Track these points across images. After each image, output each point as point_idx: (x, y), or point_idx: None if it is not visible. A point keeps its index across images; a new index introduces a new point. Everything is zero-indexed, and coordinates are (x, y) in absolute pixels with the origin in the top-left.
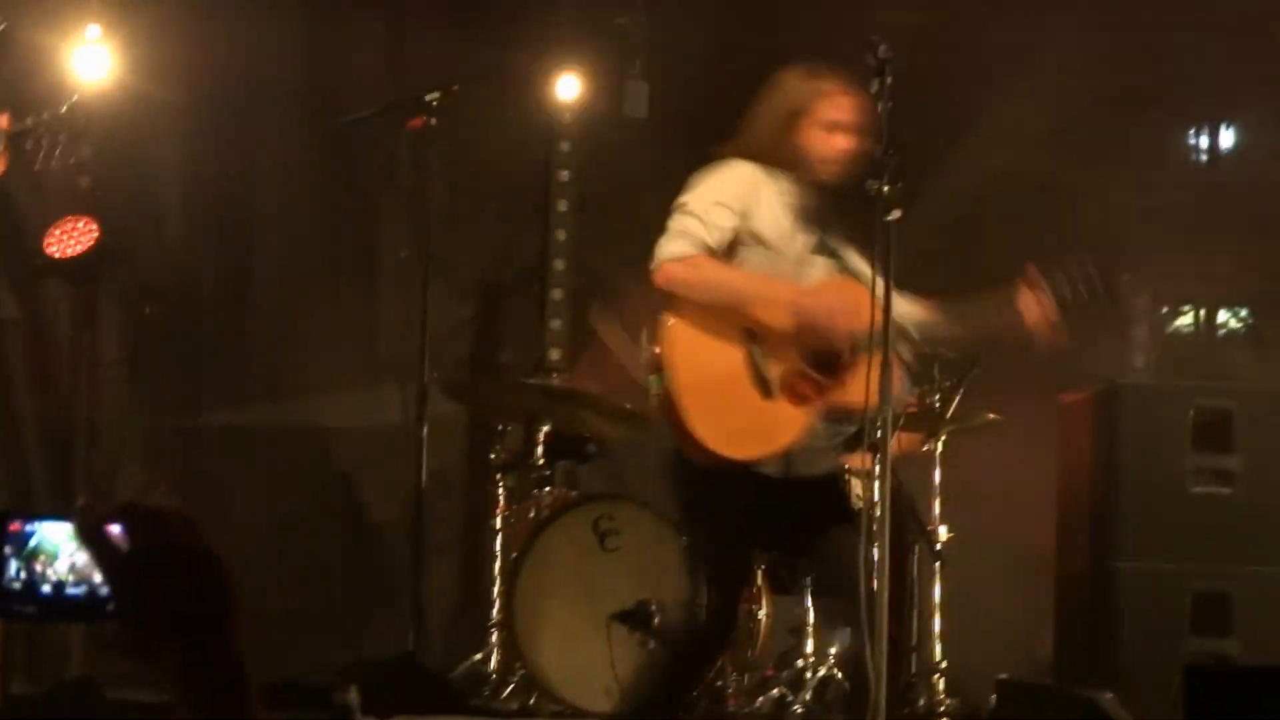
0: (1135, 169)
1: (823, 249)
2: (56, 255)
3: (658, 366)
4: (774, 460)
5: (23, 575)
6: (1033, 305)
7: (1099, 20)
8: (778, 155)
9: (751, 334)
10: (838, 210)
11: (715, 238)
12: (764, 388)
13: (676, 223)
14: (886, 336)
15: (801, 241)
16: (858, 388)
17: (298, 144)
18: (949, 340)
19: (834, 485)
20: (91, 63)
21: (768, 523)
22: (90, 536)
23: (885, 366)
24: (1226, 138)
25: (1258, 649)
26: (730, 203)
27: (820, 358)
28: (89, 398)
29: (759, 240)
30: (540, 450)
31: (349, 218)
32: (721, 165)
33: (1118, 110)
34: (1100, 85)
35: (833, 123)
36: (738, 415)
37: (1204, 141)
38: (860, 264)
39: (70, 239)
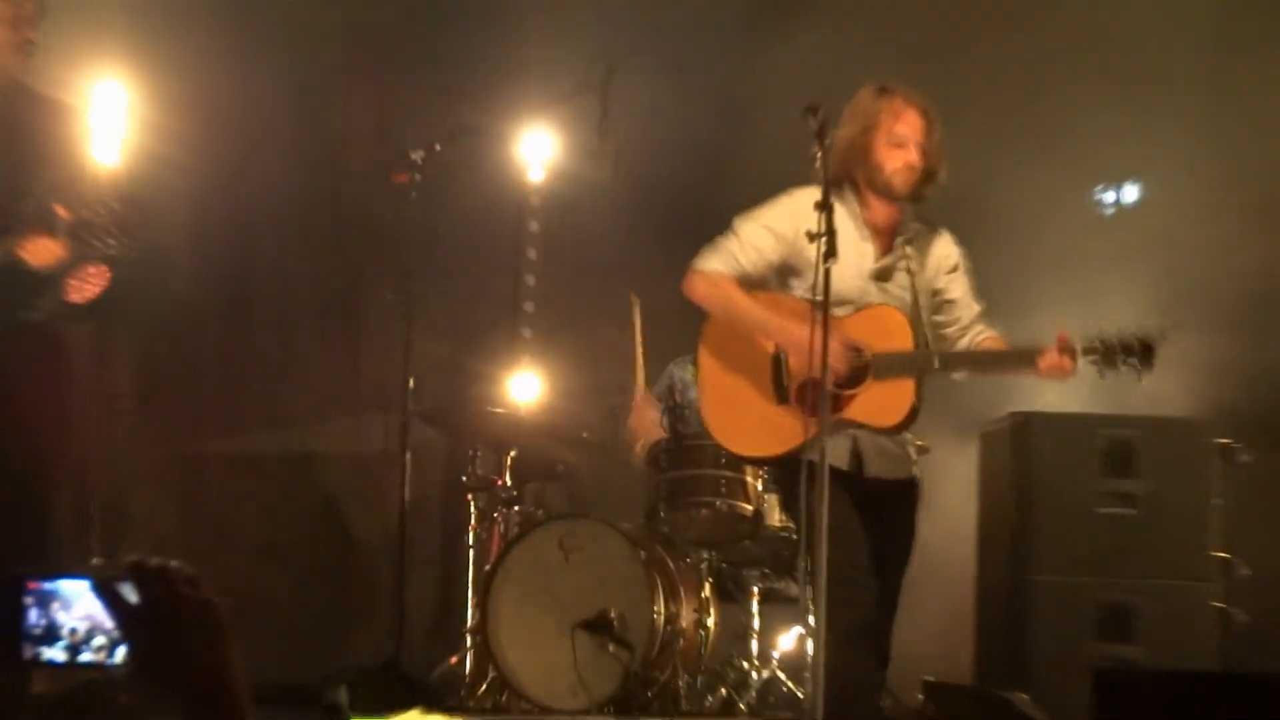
0: (1052, 221)
1: (883, 274)
2: (76, 300)
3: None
4: (843, 457)
5: (44, 625)
6: (1053, 366)
7: (1013, 82)
8: (852, 172)
9: (782, 345)
10: (909, 241)
11: (750, 260)
12: (780, 394)
13: (722, 239)
14: (824, 365)
15: (860, 267)
16: (861, 407)
17: (292, 197)
18: (965, 371)
19: (909, 491)
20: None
21: (859, 514)
22: (104, 591)
23: (823, 395)
24: (1131, 192)
25: (1157, 653)
26: (779, 230)
27: (838, 374)
28: (103, 429)
29: (809, 263)
30: (509, 473)
31: (338, 264)
32: (790, 192)
33: (1035, 167)
34: (1010, 143)
35: (899, 137)
36: (747, 413)
37: (1111, 195)
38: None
39: (86, 285)
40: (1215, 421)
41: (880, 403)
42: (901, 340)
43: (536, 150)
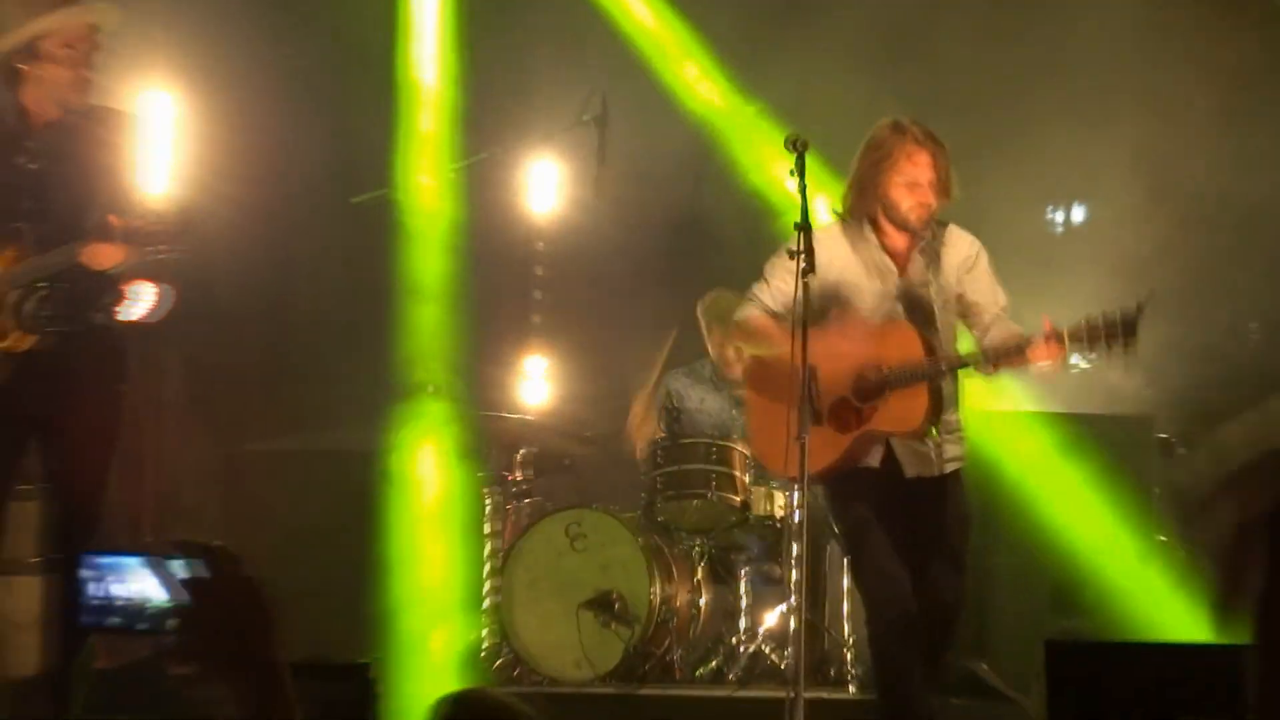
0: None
1: (901, 295)
2: (132, 318)
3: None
4: (876, 458)
5: (103, 597)
6: (1043, 354)
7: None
8: (867, 205)
9: (812, 369)
10: (922, 252)
11: (777, 299)
12: (815, 415)
13: (754, 287)
14: (805, 377)
15: (876, 289)
16: (884, 416)
17: (325, 212)
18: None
19: (946, 485)
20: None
21: (884, 513)
22: (155, 567)
23: (803, 403)
24: (1078, 213)
25: (1103, 627)
26: (785, 282)
27: (861, 391)
28: (155, 426)
29: (834, 291)
30: (520, 469)
31: (367, 281)
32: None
33: (994, 189)
34: (973, 164)
35: (912, 177)
36: (784, 437)
37: (1060, 215)
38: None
39: (137, 300)
40: (1155, 417)
41: (899, 411)
42: (913, 351)
43: (542, 175)
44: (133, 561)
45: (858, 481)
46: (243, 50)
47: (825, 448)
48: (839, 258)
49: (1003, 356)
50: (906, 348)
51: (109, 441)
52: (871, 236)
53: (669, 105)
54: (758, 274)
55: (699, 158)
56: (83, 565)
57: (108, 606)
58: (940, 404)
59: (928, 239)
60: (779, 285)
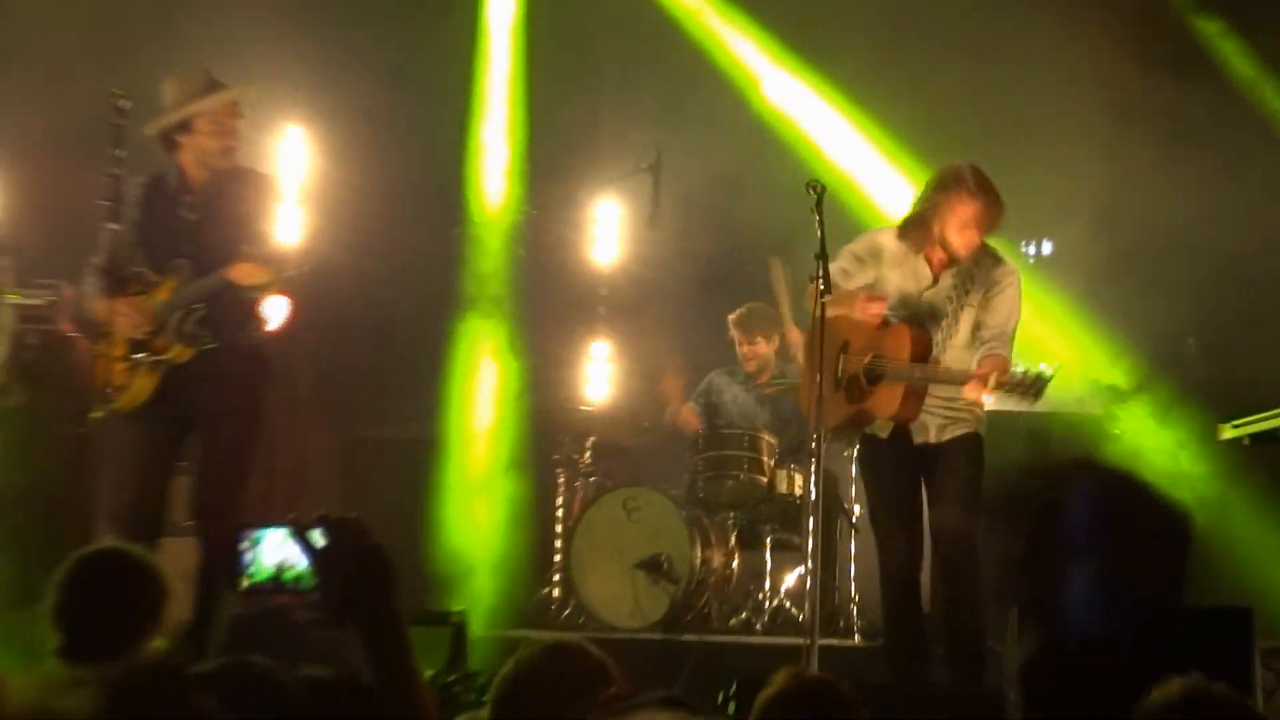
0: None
1: (924, 302)
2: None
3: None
4: (886, 427)
5: (251, 562)
6: (970, 390)
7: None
8: (923, 235)
9: (845, 343)
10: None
11: (843, 279)
12: (836, 382)
13: (835, 272)
14: (821, 366)
15: (910, 290)
16: (875, 400)
17: (427, 238)
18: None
19: (946, 451)
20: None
21: (899, 473)
22: (297, 535)
23: (819, 399)
24: (1046, 246)
25: None
26: (849, 265)
27: (872, 373)
28: (286, 422)
29: (879, 281)
30: (587, 453)
31: (458, 295)
32: (881, 231)
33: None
34: None
35: (966, 221)
36: (811, 393)
37: (1031, 249)
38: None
39: (272, 315)
40: (1109, 416)
41: (883, 399)
42: (902, 354)
43: (606, 212)
44: (279, 533)
45: (874, 450)
46: (356, 93)
47: (838, 409)
48: (895, 253)
49: (948, 381)
50: (899, 350)
51: (252, 433)
52: (912, 241)
53: (712, 147)
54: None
55: (738, 190)
56: (240, 537)
57: (259, 571)
58: (918, 397)
59: (968, 270)
60: (844, 270)
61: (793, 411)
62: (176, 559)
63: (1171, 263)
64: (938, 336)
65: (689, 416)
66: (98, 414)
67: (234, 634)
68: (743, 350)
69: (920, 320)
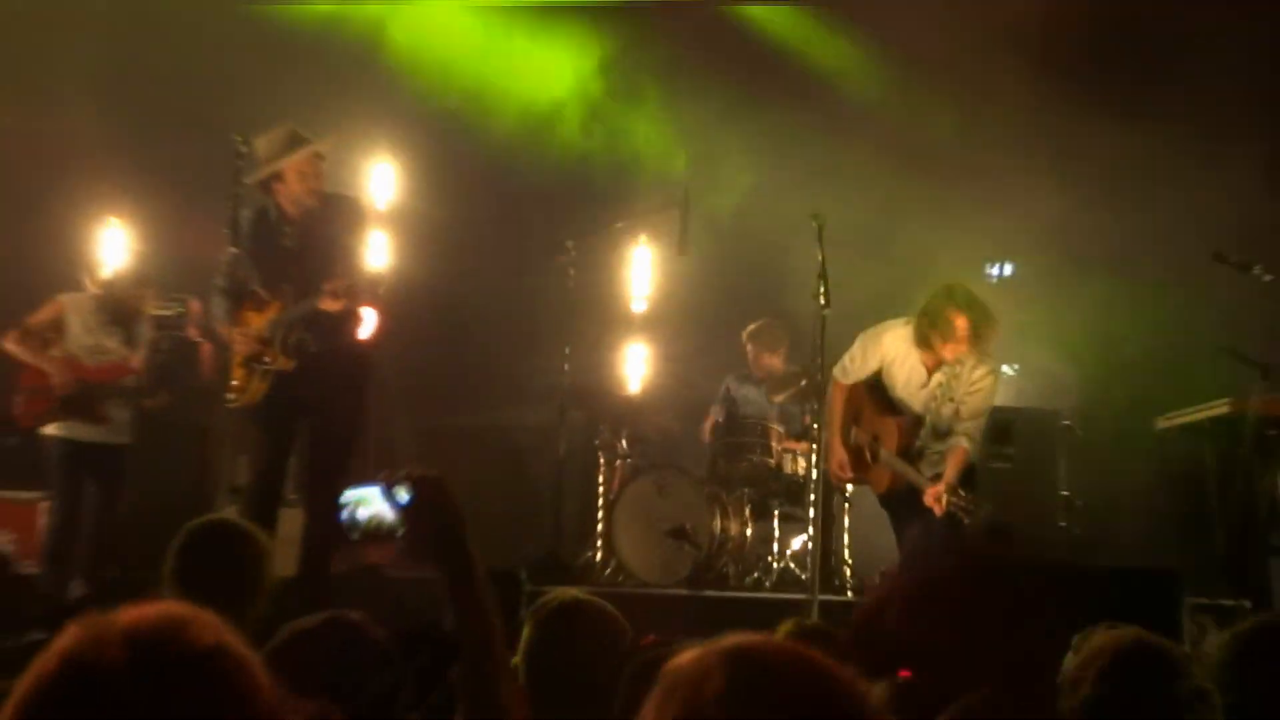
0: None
1: (916, 399)
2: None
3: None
4: (881, 487)
5: (354, 517)
6: (930, 501)
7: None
8: (920, 342)
9: (860, 412)
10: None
11: (855, 369)
12: (846, 449)
13: (844, 357)
14: (821, 421)
15: (909, 385)
16: (874, 478)
17: (495, 263)
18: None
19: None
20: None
21: (897, 506)
22: (387, 492)
23: (819, 436)
24: (1008, 268)
25: (1026, 552)
26: (869, 361)
27: (871, 449)
28: (377, 410)
29: (887, 371)
30: (625, 439)
31: (527, 304)
32: (888, 330)
33: (947, 249)
34: (932, 228)
35: (952, 336)
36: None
37: (995, 270)
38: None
39: (365, 325)
40: (1061, 411)
41: (877, 477)
42: (893, 445)
43: (641, 242)
44: (372, 490)
45: (883, 498)
46: (434, 130)
47: (850, 469)
48: (897, 352)
49: (917, 483)
50: (890, 440)
51: (349, 423)
52: (917, 351)
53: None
54: (798, 299)
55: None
56: (341, 497)
57: (355, 523)
58: (899, 475)
59: (954, 367)
60: (855, 359)
61: (795, 409)
62: (287, 526)
63: (1112, 280)
64: (923, 429)
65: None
66: (222, 408)
67: (334, 590)
68: (758, 360)
69: (913, 412)
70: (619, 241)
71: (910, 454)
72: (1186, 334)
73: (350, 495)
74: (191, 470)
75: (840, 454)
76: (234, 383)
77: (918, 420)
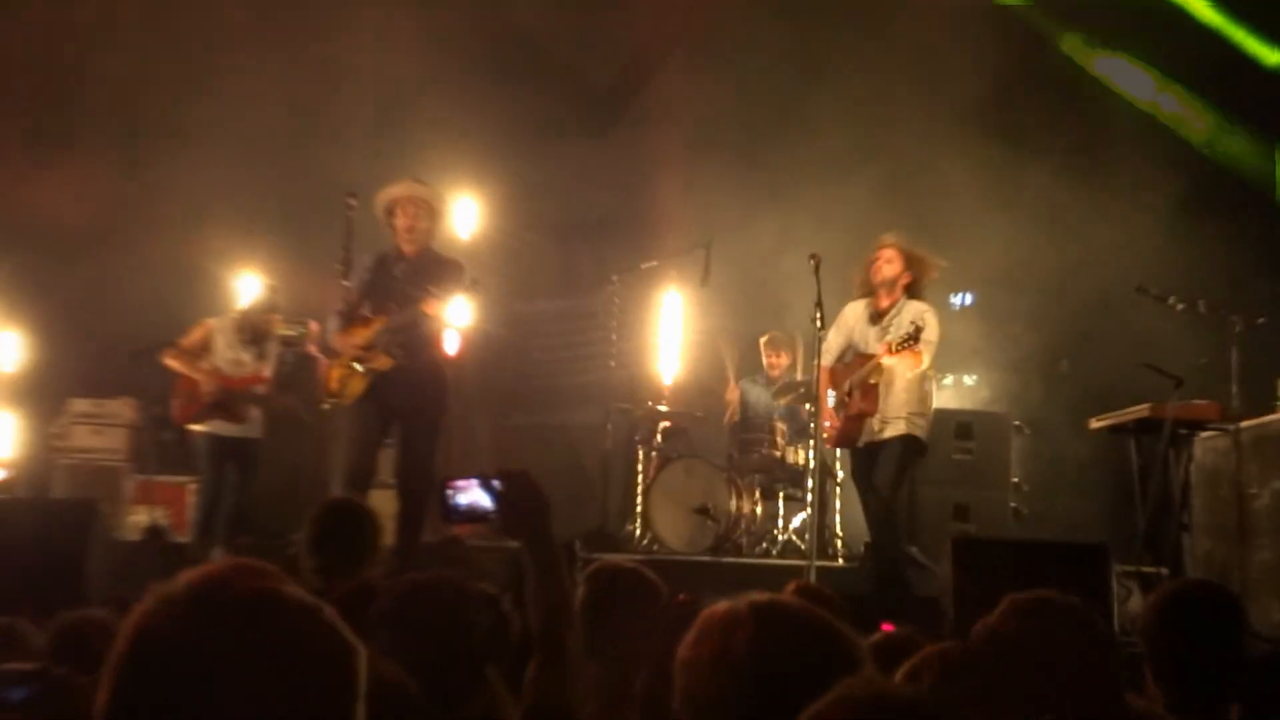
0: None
1: (876, 336)
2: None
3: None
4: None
5: (456, 502)
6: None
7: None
8: (865, 286)
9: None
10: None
11: (831, 348)
12: (839, 403)
13: (825, 340)
14: (819, 392)
15: (868, 334)
16: (853, 403)
17: (551, 292)
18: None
19: (885, 443)
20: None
21: (862, 462)
22: (484, 484)
23: (818, 411)
24: (969, 297)
25: (983, 529)
26: (838, 335)
27: (850, 389)
28: (457, 413)
29: (850, 334)
30: (660, 434)
31: (581, 325)
32: (844, 308)
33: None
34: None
35: (879, 272)
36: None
37: (958, 299)
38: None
39: (450, 340)
40: (1012, 414)
41: (858, 401)
42: (863, 366)
43: (671, 277)
44: (471, 482)
45: (854, 455)
46: (510, 163)
47: (838, 425)
48: (853, 313)
49: (870, 371)
50: (854, 369)
51: (436, 424)
52: (866, 301)
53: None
54: (798, 321)
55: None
56: (445, 485)
57: (457, 508)
58: (876, 399)
59: (896, 308)
60: (831, 343)
61: (796, 410)
62: (382, 506)
63: (1052, 305)
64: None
65: (730, 400)
66: (326, 407)
67: (424, 557)
68: (769, 360)
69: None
70: (654, 275)
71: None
72: (1114, 351)
73: (456, 484)
74: (310, 459)
75: (830, 419)
76: (333, 385)
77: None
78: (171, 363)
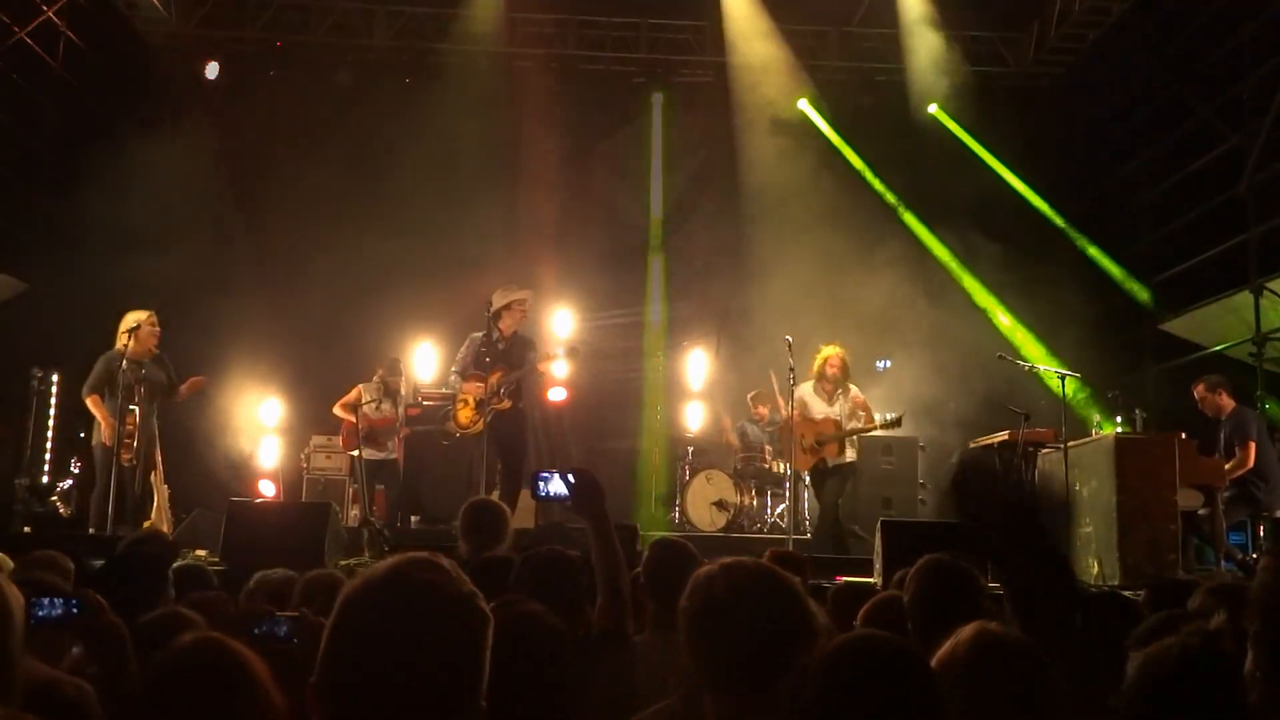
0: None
1: (824, 407)
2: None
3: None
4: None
5: (545, 491)
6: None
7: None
8: (819, 378)
9: (802, 431)
10: (835, 397)
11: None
12: (805, 448)
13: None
14: (794, 441)
15: (820, 407)
16: (812, 459)
17: (625, 360)
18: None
19: (841, 467)
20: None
21: (825, 478)
22: (562, 477)
23: (794, 443)
24: (888, 362)
25: (901, 514)
26: (801, 405)
27: (816, 443)
28: (558, 440)
29: (805, 407)
30: (690, 454)
31: (638, 383)
32: (803, 390)
33: (852, 350)
34: (842, 335)
35: (825, 371)
36: (792, 453)
37: (882, 363)
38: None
39: (555, 391)
40: (919, 438)
41: (827, 451)
42: (827, 430)
43: (694, 351)
44: (553, 474)
45: (817, 471)
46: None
47: (805, 458)
48: (809, 395)
49: (840, 435)
50: (825, 429)
51: (525, 448)
52: (817, 386)
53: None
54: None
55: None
56: (537, 476)
57: (546, 493)
58: (838, 448)
59: (839, 393)
60: (799, 409)
61: (777, 439)
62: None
63: (941, 362)
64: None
65: (731, 440)
66: (458, 435)
67: (540, 536)
68: (757, 411)
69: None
70: (687, 350)
71: (824, 439)
72: (986, 395)
73: (543, 475)
74: (461, 471)
75: (799, 456)
76: (461, 420)
77: (834, 421)
78: (338, 412)
